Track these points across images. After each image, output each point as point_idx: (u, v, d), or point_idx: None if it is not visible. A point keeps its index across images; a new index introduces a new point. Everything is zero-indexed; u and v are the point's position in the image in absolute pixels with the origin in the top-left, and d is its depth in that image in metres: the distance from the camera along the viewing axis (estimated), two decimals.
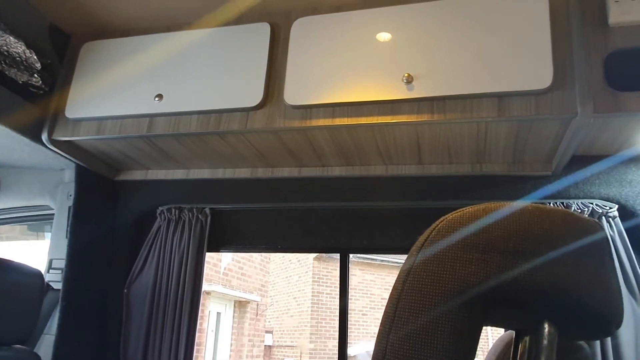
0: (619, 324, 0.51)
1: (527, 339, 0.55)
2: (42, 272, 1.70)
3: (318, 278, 10.20)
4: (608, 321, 0.51)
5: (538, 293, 0.47)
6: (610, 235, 1.59)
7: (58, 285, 1.84)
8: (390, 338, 0.49)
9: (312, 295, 10.03)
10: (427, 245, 0.51)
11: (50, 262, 1.91)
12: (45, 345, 1.76)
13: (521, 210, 0.50)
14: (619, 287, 0.51)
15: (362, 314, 10.06)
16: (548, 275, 0.47)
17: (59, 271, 1.86)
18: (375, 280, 10.48)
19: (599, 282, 0.49)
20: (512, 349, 0.61)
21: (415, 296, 0.48)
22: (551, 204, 1.65)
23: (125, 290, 1.95)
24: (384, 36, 1.48)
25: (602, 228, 0.52)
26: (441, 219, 0.53)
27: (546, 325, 0.50)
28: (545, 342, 0.50)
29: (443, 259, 0.49)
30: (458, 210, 0.52)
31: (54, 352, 1.70)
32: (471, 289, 0.47)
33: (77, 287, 1.82)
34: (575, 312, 0.50)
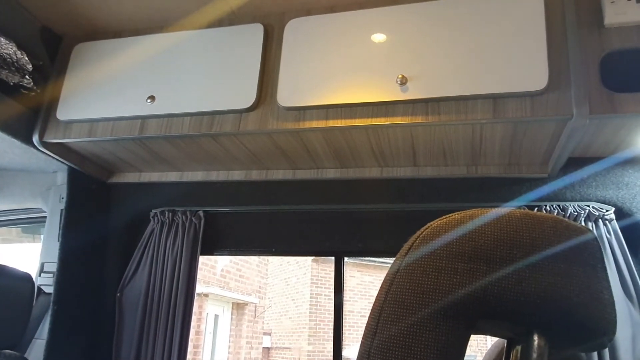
0: (611, 336, 0.49)
1: (518, 348, 0.53)
2: (34, 275, 1.68)
3: (316, 280, 10.18)
4: (600, 333, 0.48)
5: (526, 304, 0.45)
6: (606, 237, 1.58)
7: (50, 289, 1.82)
8: (372, 348, 0.47)
9: (311, 297, 10.00)
10: (411, 254, 0.49)
11: (42, 265, 1.89)
12: (36, 350, 1.74)
13: (509, 217, 0.48)
14: (612, 297, 0.49)
15: (361, 316, 10.04)
16: (537, 286, 0.45)
17: (51, 275, 1.83)
18: (374, 282, 10.45)
19: (590, 293, 0.47)
20: (503, 358, 0.59)
21: (398, 307, 0.46)
22: (547, 207, 1.64)
23: (118, 294, 1.93)
24: (378, 37, 1.46)
25: (594, 236, 0.50)
26: (426, 225, 0.50)
27: (536, 337, 0.48)
28: (535, 355, 0.48)
29: (427, 268, 0.47)
30: (443, 217, 0.50)
31: (44, 357, 1.68)
32: (456, 300, 0.45)
33: (69, 291, 1.80)
34: (565, 323, 0.47)
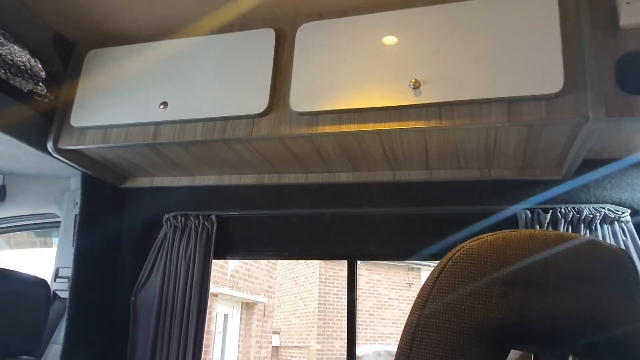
0: None
1: None
2: (49, 280, 1.70)
3: (325, 279, 10.18)
4: (637, 356, 0.48)
5: (562, 329, 0.45)
6: (622, 239, 1.57)
7: (65, 294, 1.83)
8: None
9: (319, 296, 10.01)
10: (444, 277, 0.48)
11: (56, 270, 1.90)
12: (53, 354, 1.76)
13: (544, 240, 0.47)
14: None
15: (370, 314, 10.04)
16: (573, 310, 0.44)
17: (66, 280, 1.85)
18: (382, 280, 10.44)
19: (627, 315, 0.47)
20: None
21: (431, 331, 0.46)
22: (562, 209, 1.62)
23: (132, 298, 1.94)
24: (390, 41, 1.46)
25: (630, 258, 0.49)
26: (457, 247, 0.50)
27: (571, 359, 0.48)
28: None
29: (461, 292, 0.46)
30: (475, 239, 0.50)
31: None
32: (491, 325, 0.44)
33: (84, 295, 1.81)
34: (602, 347, 0.47)
